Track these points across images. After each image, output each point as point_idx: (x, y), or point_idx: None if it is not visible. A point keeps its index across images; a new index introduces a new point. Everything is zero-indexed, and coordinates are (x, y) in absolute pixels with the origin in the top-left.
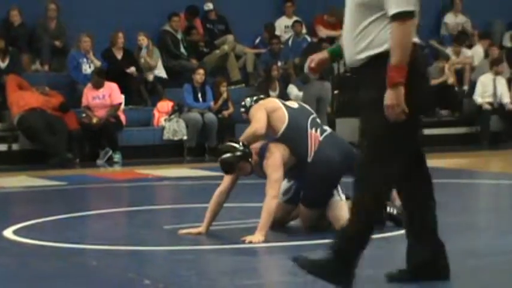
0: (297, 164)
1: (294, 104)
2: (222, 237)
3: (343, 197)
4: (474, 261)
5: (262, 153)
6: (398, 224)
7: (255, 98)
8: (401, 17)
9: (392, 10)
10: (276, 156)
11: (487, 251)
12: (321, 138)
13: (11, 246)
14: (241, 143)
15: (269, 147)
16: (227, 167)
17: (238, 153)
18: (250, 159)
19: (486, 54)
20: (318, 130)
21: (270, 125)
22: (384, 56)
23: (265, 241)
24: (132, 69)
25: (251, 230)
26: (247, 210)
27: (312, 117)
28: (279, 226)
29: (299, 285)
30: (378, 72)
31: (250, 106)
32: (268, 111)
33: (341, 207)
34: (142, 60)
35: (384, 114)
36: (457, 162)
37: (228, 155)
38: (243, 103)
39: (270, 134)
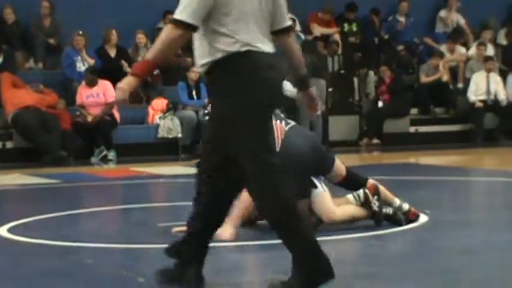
0: None
1: None
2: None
3: (326, 188)
4: (468, 258)
5: None
6: (397, 224)
7: None
8: (176, 23)
9: (175, 14)
10: None
11: (481, 248)
12: (286, 129)
13: (6, 244)
14: None
15: None
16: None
17: None
18: None
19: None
20: (283, 122)
21: None
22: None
23: (257, 239)
24: (123, 63)
25: (243, 228)
26: None
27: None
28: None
29: None
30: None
31: None
32: None
33: (324, 197)
34: (140, 59)
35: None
36: (451, 160)
37: None
38: None
39: None
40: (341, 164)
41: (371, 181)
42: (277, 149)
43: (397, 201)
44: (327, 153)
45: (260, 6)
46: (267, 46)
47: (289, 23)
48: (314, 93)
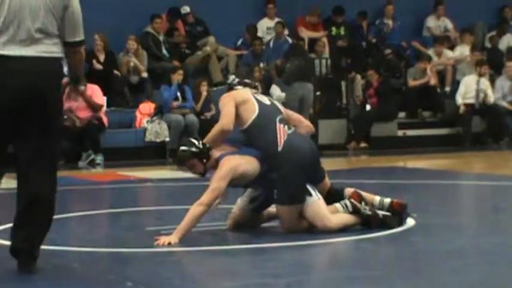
0: (267, 158)
1: (266, 101)
2: (205, 239)
3: (320, 196)
4: (456, 261)
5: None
6: (388, 227)
7: (237, 80)
8: None
9: None
10: (223, 169)
11: (469, 252)
12: (289, 132)
13: None
14: (201, 142)
15: (221, 162)
16: (178, 160)
17: (194, 149)
18: (204, 160)
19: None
20: (286, 126)
21: (238, 116)
22: None
23: (244, 243)
24: (97, 66)
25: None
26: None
27: (281, 116)
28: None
29: (281, 286)
30: None
31: (231, 86)
32: (237, 102)
33: (319, 205)
34: (132, 64)
35: None
36: (439, 164)
37: (184, 148)
38: (227, 81)
39: (238, 125)
40: (327, 178)
41: (350, 189)
42: (280, 148)
43: (377, 199)
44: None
45: (32, 10)
46: (26, 50)
47: (77, 39)
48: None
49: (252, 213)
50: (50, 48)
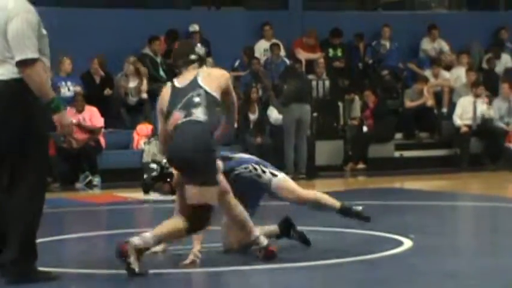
0: None
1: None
2: (203, 260)
3: (280, 174)
4: (454, 283)
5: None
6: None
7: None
8: None
9: None
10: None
11: (466, 274)
12: (178, 122)
13: None
14: (161, 163)
15: None
16: (144, 189)
17: (154, 174)
18: (168, 179)
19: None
20: (184, 113)
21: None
22: None
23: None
24: (108, 91)
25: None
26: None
27: (188, 96)
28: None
29: None
30: None
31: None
32: (161, 106)
33: (286, 181)
34: (131, 85)
35: None
36: (436, 185)
37: (145, 176)
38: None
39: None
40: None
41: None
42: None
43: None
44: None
45: None
46: None
47: (19, 58)
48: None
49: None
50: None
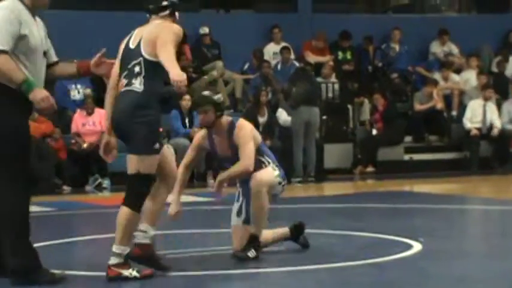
0: None
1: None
2: (209, 263)
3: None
4: (464, 286)
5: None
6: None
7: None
8: None
9: None
10: (247, 131)
11: (476, 277)
12: (122, 90)
13: None
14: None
15: (238, 124)
16: (197, 99)
17: (216, 99)
18: (218, 113)
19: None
20: (126, 81)
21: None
22: None
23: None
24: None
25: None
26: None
27: (131, 65)
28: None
29: None
30: None
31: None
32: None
33: (265, 171)
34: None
35: None
36: (446, 188)
37: (207, 93)
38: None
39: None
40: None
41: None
42: None
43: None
44: None
45: None
46: None
47: None
48: None
49: (246, 226)
50: None
